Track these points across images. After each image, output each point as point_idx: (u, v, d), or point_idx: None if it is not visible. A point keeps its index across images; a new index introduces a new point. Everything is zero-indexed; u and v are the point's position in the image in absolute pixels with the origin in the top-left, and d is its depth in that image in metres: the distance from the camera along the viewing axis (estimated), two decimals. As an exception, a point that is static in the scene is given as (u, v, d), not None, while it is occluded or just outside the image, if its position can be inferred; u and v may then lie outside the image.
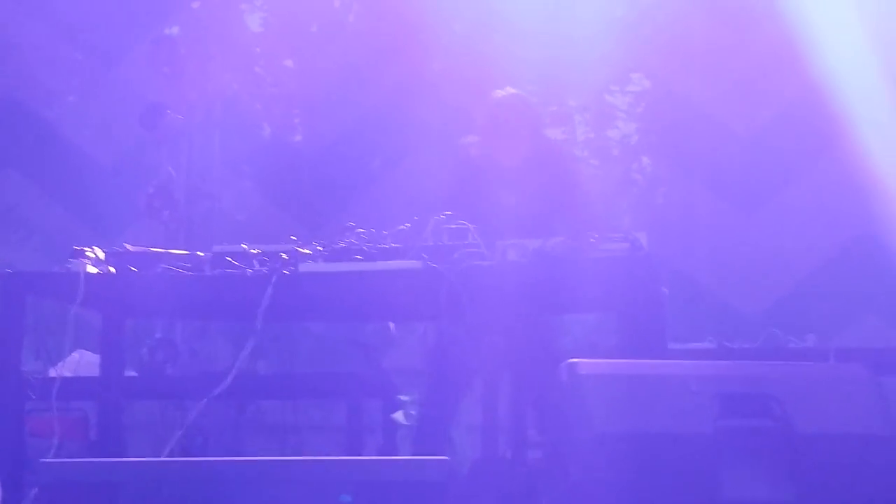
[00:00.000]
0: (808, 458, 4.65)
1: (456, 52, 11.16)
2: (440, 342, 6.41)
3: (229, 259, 5.70)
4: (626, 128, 12.22)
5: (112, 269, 5.79)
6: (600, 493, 4.57)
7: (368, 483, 4.47)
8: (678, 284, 8.74)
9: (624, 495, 4.57)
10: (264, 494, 4.46)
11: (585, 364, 4.82)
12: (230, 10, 11.28)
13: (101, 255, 5.81)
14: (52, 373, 6.34)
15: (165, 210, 8.99)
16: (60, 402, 5.98)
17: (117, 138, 11.25)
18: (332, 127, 11.71)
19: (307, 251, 5.67)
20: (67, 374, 6.25)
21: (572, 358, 4.88)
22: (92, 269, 5.72)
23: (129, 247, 5.94)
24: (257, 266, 5.65)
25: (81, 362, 6.93)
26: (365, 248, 5.63)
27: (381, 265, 5.59)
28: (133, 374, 7.49)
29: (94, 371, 6.49)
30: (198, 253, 5.91)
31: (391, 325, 8.21)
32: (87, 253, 5.76)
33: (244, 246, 5.76)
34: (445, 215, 5.71)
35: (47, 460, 5.03)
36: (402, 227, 5.73)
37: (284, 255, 5.65)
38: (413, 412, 6.31)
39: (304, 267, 5.63)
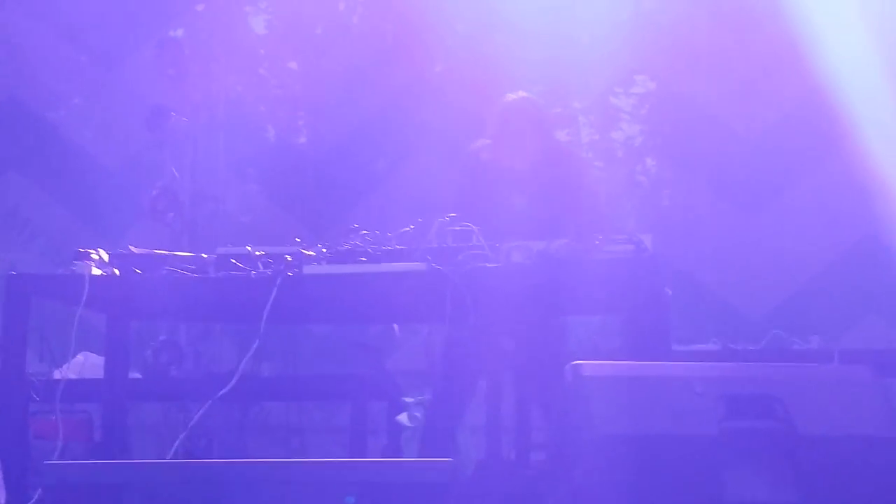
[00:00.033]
0: (813, 459, 4.64)
1: (460, 53, 11.16)
2: (448, 344, 6.41)
3: (233, 261, 5.70)
4: (630, 129, 12.21)
5: (116, 271, 5.79)
6: (605, 494, 4.57)
7: (372, 485, 4.47)
8: (682, 286, 8.74)
9: (628, 497, 4.56)
10: (268, 496, 4.46)
11: (589, 366, 4.82)
12: (234, 12, 11.27)
13: (106, 257, 5.81)
14: (57, 374, 6.36)
15: (170, 212, 9.00)
16: (65, 404, 5.98)
17: (121, 140, 11.26)
18: (336, 129, 11.71)
19: (311, 253, 5.67)
20: (72, 375, 6.27)
21: (576, 360, 4.88)
22: (96, 271, 5.73)
23: (133, 249, 5.94)
24: (261, 268, 5.65)
25: (86, 364, 6.95)
26: (369, 250, 5.64)
27: (385, 267, 5.59)
28: (137, 375, 7.50)
29: (99, 373, 6.49)
30: (202, 255, 5.92)
31: (395, 326, 8.21)
32: (91, 255, 5.77)
33: (248, 248, 5.76)
34: (449, 217, 5.71)
35: (51, 462, 5.04)
36: (406, 229, 5.73)
37: (288, 257, 5.65)
38: (417, 414, 6.31)
39: (308, 269, 5.63)
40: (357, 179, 11.43)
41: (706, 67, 11.15)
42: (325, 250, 5.69)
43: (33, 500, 5.36)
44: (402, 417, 6.43)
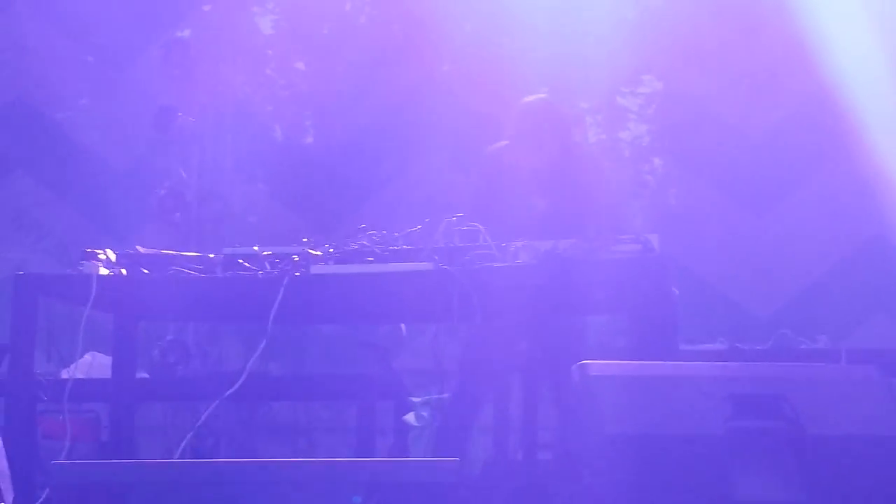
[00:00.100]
0: (820, 459, 4.63)
1: (467, 53, 11.15)
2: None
3: (241, 261, 5.71)
4: (637, 129, 12.19)
5: (124, 271, 5.80)
6: (612, 494, 4.56)
7: (380, 485, 4.47)
8: (689, 285, 8.73)
9: (635, 497, 4.56)
10: (276, 496, 4.46)
11: (597, 365, 4.82)
12: (241, 12, 11.27)
13: (113, 257, 5.82)
14: (65, 374, 6.36)
15: (177, 212, 9.01)
16: (72, 404, 6.00)
17: (129, 141, 11.25)
18: (343, 129, 11.71)
19: (318, 253, 5.68)
20: (80, 375, 6.27)
21: (583, 359, 4.88)
22: (104, 271, 5.74)
23: (140, 249, 5.95)
24: (269, 268, 5.66)
25: (93, 364, 6.95)
26: (376, 249, 5.64)
27: (392, 267, 5.59)
28: (145, 375, 7.51)
29: (106, 373, 6.50)
30: (209, 255, 5.92)
31: (402, 326, 8.21)
32: (99, 255, 5.77)
33: (255, 248, 5.76)
34: (457, 217, 5.72)
35: (59, 462, 5.04)
36: (413, 228, 5.73)
37: (296, 257, 5.66)
38: (424, 413, 6.31)
39: (315, 269, 5.63)
40: (364, 179, 11.42)
41: (713, 67, 11.14)
42: (332, 250, 5.69)
43: (41, 500, 5.37)
44: (410, 417, 6.44)
